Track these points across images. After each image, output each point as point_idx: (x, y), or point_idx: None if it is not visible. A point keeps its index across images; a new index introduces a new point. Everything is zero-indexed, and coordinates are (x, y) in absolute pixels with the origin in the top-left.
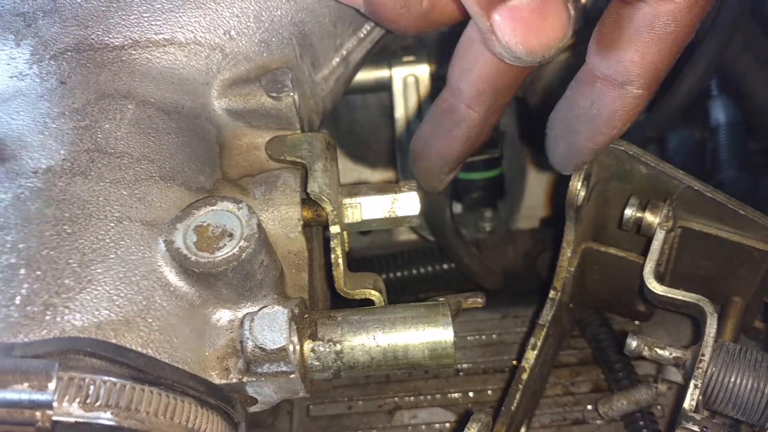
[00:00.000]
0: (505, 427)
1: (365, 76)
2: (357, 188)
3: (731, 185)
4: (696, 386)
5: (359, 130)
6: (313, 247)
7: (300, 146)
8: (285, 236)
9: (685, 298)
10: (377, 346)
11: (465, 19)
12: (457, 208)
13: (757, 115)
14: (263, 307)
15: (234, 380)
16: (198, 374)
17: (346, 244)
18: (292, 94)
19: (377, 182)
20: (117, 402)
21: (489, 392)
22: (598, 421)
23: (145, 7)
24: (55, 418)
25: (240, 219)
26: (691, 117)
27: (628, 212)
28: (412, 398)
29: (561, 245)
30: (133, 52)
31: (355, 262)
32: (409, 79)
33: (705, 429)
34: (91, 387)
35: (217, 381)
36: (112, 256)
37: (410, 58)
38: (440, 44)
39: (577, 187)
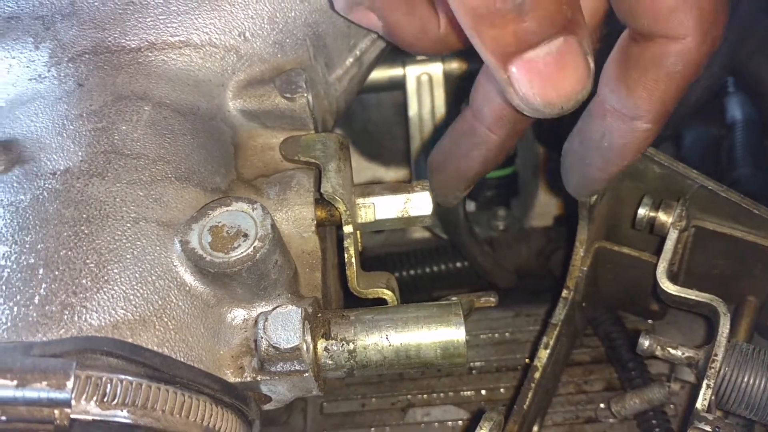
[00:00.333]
0: (518, 425)
1: (379, 74)
2: (370, 188)
3: (747, 182)
4: (709, 386)
5: (373, 128)
6: (327, 247)
7: (314, 146)
8: (299, 236)
9: (698, 298)
10: (390, 345)
11: None
12: (471, 206)
13: None
14: (277, 307)
15: (248, 379)
16: (213, 373)
17: (360, 244)
18: (306, 94)
19: (390, 182)
20: (133, 400)
21: (502, 390)
22: (611, 420)
23: (160, 10)
24: (73, 416)
25: (254, 219)
26: (707, 114)
27: (642, 212)
28: (425, 396)
29: (574, 244)
30: (149, 54)
31: (369, 260)
32: (422, 77)
33: (717, 429)
34: (108, 385)
35: (231, 379)
36: (128, 256)
37: (424, 56)
38: None
39: None
